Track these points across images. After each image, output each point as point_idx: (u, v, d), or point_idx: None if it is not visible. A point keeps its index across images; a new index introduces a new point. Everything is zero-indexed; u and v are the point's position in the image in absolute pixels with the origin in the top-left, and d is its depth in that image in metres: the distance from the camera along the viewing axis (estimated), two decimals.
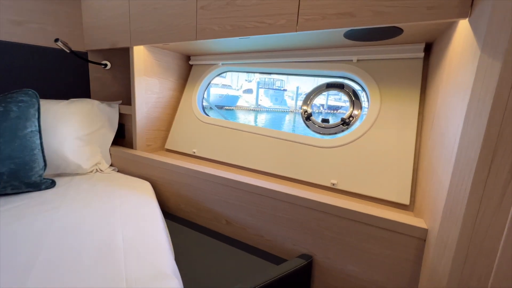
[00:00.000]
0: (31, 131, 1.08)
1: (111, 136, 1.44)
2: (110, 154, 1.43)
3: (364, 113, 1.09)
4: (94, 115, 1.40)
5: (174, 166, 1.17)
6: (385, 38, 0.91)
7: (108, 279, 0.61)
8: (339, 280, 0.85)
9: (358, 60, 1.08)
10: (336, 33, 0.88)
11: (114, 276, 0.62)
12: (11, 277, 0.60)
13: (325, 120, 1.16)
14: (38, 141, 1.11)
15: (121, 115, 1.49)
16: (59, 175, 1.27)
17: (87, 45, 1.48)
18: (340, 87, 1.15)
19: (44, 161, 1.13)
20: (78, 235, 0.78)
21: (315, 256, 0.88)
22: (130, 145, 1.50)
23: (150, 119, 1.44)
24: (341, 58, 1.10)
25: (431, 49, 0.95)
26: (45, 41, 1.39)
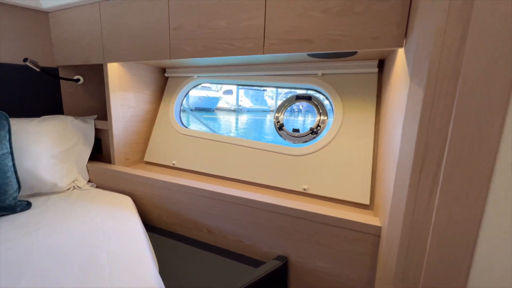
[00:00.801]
0: (3, 153, 1.07)
1: (87, 152, 1.43)
2: (88, 170, 1.42)
3: (331, 119, 1.19)
4: (68, 132, 1.39)
5: (154, 180, 1.21)
6: (343, 57, 1.02)
7: None
8: (311, 276, 0.94)
9: (322, 74, 1.18)
10: (300, 53, 0.98)
11: None
12: None
13: (295, 130, 1.26)
14: (10, 163, 1.09)
15: (97, 130, 1.48)
16: (34, 195, 1.25)
17: (57, 60, 1.45)
18: (308, 98, 1.25)
19: (18, 182, 1.11)
20: (60, 257, 0.80)
21: (289, 256, 0.96)
22: (108, 159, 1.50)
23: (127, 133, 1.46)
24: (307, 72, 1.20)
25: (383, 65, 1.07)
26: (12, 59, 1.35)
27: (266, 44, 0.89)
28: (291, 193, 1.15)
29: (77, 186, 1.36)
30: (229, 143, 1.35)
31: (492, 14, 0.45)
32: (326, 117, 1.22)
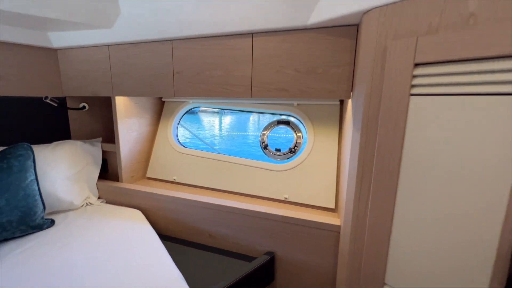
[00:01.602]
0: (31, 180, 1.25)
1: (96, 172, 1.62)
2: (98, 188, 1.61)
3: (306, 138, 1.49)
4: (78, 155, 1.57)
5: (161, 195, 1.44)
6: None
7: None
8: (292, 265, 1.23)
9: (297, 104, 1.48)
10: None
11: None
12: None
13: (277, 149, 1.54)
14: (36, 188, 1.27)
15: (103, 152, 1.68)
16: (53, 213, 1.43)
17: (65, 91, 1.62)
18: (287, 123, 1.54)
19: (43, 203, 1.29)
20: (98, 265, 1.01)
21: (276, 252, 1.25)
22: (114, 177, 1.70)
23: (132, 153, 1.66)
24: (285, 102, 1.49)
25: (343, 100, 1.39)
26: (24, 92, 1.50)
27: (253, 90, 1.17)
28: (275, 201, 1.43)
29: (89, 203, 1.55)
30: (223, 161, 1.60)
31: (390, 98, 0.76)
32: (301, 139, 1.52)
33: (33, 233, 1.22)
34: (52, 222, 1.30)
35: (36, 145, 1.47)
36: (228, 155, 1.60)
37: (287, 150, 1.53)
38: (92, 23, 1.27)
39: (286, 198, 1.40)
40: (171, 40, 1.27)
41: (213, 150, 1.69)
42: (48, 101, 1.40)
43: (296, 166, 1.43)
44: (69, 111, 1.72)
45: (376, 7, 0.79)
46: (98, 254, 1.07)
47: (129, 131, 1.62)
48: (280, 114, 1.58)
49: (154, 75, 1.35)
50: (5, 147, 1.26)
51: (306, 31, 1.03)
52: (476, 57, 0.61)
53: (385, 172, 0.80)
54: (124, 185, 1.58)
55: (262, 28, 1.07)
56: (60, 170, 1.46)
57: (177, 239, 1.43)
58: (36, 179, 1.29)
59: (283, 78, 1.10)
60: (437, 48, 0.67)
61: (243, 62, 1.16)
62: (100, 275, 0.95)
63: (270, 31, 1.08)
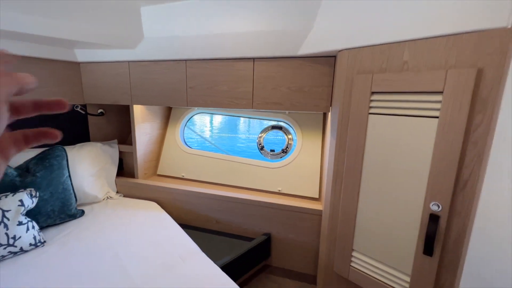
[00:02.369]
0: (66, 176, 1.48)
1: (114, 170, 1.86)
2: (116, 184, 1.85)
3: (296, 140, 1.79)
4: (99, 155, 1.80)
5: (173, 188, 1.70)
6: None
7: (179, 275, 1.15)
8: (284, 243, 1.53)
9: (288, 112, 1.77)
10: None
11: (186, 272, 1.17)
12: (117, 277, 1.09)
13: (272, 150, 1.84)
14: (70, 183, 1.51)
15: (119, 152, 1.91)
16: (80, 205, 1.66)
17: (87, 99, 1.84)
18: (280, 128, 1.84)
19: (75, 196, 1.53)
20: (132, 247, 1.27)
21: (271, 232, 1.54)
22: (129, 174, 1.94)
23: (145, 153, 1.91)
24: (278, 111, 1.78)
25: None
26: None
27: (254, 103, 1.45)
28: (270, 193, 1.73)
29: (110, 196, 1.79)
30: (225, 160, 1.88)
31: (357, 114, 1.07)
32: (292, 141, 1.82)
33: (69, 221, 1.46)
34: (82, 212, 1.54)
35: (65, 146, 1.69)
36: (230, 154, 1.88)
37: (280, 150, 1.82)
38: (118, 45, 1.51)
39: (279, 190, 1.70)
40: (185, 61, 1.53)
41: (219, 150, 1.96)
42: (78, 110, 1.62)
43: (287, 164, 1.73)
44: (89, 118, 1.94)
45: (344, 49, 1.09)
46: (128, 236, 1.33)
47: (143, 134, 1.87)
48: (274, 120, 1.88)
49: (170, 88, 1.60)
50: (44, 149, 1.48)
51: (296, 59, 1.33)
52: (408, 91, 0.93)
53: (352, 168, 1.11)
54: (140, 181, 1.83)
55: (262, 55, 1.35)
56: (85, 168, 1.69)
57: (189, 226, 1.69)
58: (69, 176, 1.52)
59: (278, 94, 1.40)
60: (385, 83, 0.98)
61: (245, 81, 1.44)
62: (133, 251, 1.21)
63: (268, 58, 1.37)
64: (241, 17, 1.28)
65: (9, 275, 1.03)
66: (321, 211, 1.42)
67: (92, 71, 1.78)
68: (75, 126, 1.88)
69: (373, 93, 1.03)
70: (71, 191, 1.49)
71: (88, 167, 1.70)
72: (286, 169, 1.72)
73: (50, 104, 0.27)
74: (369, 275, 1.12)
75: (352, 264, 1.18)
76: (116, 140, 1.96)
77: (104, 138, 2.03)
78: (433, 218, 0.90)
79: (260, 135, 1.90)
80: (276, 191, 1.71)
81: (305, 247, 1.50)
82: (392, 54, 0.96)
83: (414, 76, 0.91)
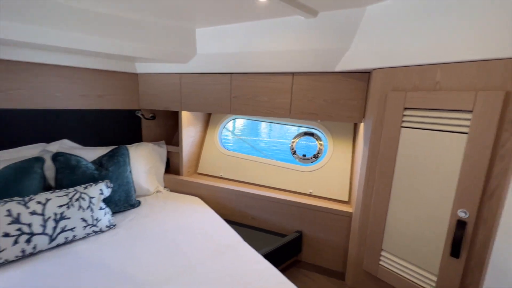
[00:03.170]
0: (129, 171, 1.75)
1: (163, 167, 2.12)
2: (164, 180, 2.11)
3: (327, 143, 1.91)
4: (151, 154, 2.07)
5: (214, 186, 1.91)
6: None
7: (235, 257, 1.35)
8: (315, 241, 1.67)
9: (320, 121, 1.91)
10: None
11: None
12: (180, 256, 1.31)
13: (304, 155, 1.98)
14: (131, 177, 1.77)
15: (166, 152, 2.17)
16: (136, 197, 1.93)
17: (142, 105, 2.12)
18: (311, 134, 1.98)
19: (134, 189, 1.79)
20: (188, 233, 1.48)
21: (303, 231, 1.69)
22: (174, 172, 2.19)
23: (189, 154, 2.15)
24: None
25: None
26: (112, 106, 2.00)
27: (291, 113, 1.61)
28: (302, 194, 1.87)
29: (159, 190, 2.04)
30: (260, 162, 2.06)
31: (389, 128, 1.19)
32: (323, 147, 1.95)
33: (130, 209, 1.72)
34: (139, 203, 1.80)
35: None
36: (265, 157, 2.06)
37: (311, 155, 1.96)
38: (173, 60, 1.75)
39: (310, 192, 1.84)
40: (231, 74, 1.73)
41: (258, 153, 2.15)
42: (139, 115, 1.90)
43: (319, 168, 1.86)
44: (143, 121, 2.22)
45: (380, 68, 1.22)
46: (180, 224, 1.55)
47: (188, 137, 2.11)
48: (305, 127, 2.02)
49: (215, 97, 1.82)
50: (113, 147, 1.76)
51: (333, 74, 1.47)
52: (440, 108, 1.04)
53: (384, 174, 1.23)
54: (185, 178, 2.06)
55: (301, 70, 1.51)
56: (140, 165, 1.95)
57: (227, 220, 1.89)
58: (130, 171, 1.79)
59: (314, 105, 1.54)
60: (417, 100, 1.09)
61: (284, 93, 1.60)
62: (186, 236, 1.42)
63: (306, 72, 1.52)
64: (284, 38, 1.45)
65: (94, 249, 1.28)
66: (351, 213, 1.54)
67: (148, 81, 2.05)
68: (131, 128, 2.16)
69: (406, 108, 1.14)
70: (132, 184, 1.75)
71: (142, 164, 1.97)
72: (317, 173, 1.86)
73: None
74: (397, 273, 1.23)
75: (381, 262, 1.29)
76: (164, 141, 2.23)
77: (153, 139, 2.30)
78: (461, 224, 1.00)
79: (293, 141, 2.06)
80: (307, 193, 1.85)
81: (334, 246, 1.63)
82: (425, 74, 1.08)
83: (445, 95, 1.01)
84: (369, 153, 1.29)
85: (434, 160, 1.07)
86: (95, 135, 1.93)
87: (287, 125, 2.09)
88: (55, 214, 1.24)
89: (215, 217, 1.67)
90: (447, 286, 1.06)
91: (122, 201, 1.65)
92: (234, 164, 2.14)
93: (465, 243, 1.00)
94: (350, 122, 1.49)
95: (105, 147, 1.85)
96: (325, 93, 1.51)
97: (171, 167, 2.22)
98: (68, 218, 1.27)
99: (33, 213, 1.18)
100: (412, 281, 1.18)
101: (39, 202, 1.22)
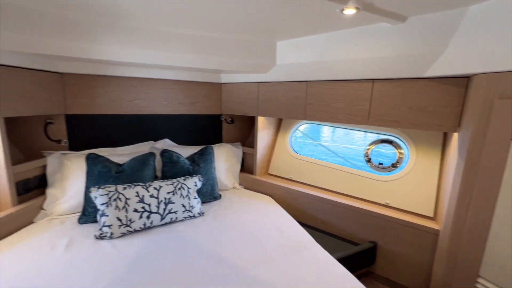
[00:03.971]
0: (214, 168, 2.03)
1: (238, 167, 2.36)
2: (239, 178, 2.34)
3: (407, 153, 1.78)
4: (229, 154, 2.33)
5: (285, 187, 2.02)
6: None
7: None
8: (392, 255, 1.59)
9: (400, 128, 1.79)
10: None
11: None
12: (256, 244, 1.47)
13: (380, 163, 1.89)
14: (215, 173, 2.05)
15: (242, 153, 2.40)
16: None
17: (223, 111, 2.42)
18: (390, 142, 1.88)
19: (217, 184, 2.07)
20: (258, 224, 1.64)
21: (378, 242, 1.63)
22: (248, 171, 2.40)
23: (261, 155, 2.33)
24: None
25: None
26: (200, 111, 2.35)
27: (370, 120, 1.58)
28: (377, 204, 1.80)
29: (235, 187, 2.29)
30: (331, 168, 2.06)
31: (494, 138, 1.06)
32: (403, 156, 1.82)
33: (214, 201, 1.99)
34: (220, 196, 2.06)
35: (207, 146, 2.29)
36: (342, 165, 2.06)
37: (389, 164, 1.86)
38: (254, 71, 1.95)
39: (387, 203, 1.75)
40: (307, 82, 1.81)
41: (333, 158, 2.17)
42: (223, 119, 2.20)
43: (397, 178, 1.76)
44: (223, 124, 2.52)
45: (483, 73, 1.09)
46: (256, 218, 1.71)
47: (262, 140, 2.28)
48: (383, 134, 1.93)
49: (291, 104, 1.93)
50: (201, 147, 2.09)
51: (421, 79, 1.38)
52: None
53: (486, 191, 1.10)
54: (258, 177, 2.25)
55: (382, 77, 1.47)
56: (221, 163, 2.23)
57: (296, 221, 1.97)
58: (214, 168, 2.07)
59: (396, 112, 1.48)
60: None
61: (363, 99, 1.59)
62: (262, 230, 1.56)
63: (388, 79, 1.47)
64: (365, 45, 1.44)
65: (189, 231, 1.55)
66: (438, 230, 1.41)
67: (230, 90, 2.33)
68: (214, 131, 2.49)
69: None
70: (215, 179, 2.03)
71: (223, 162, 2.24)
72: (396, 183, 1.75)
73: None
74: None
75: None
76: (240, 143, 2.47)
77: (230, 141, 2.58)
78: None
79: (368, 147, 1.99)
80: (383, 203, 1.77)
81: (413, 263, 1.52)
82: None
83: None
84: (465, 166, 1.17)
85: None
86: (187, 135, 2.31)
87: (360, 131, 2.04)
88: (165, 199, 1.56)
89: (287, 216, 1.77)
90: None
91: (208, 193, 1.93)
92: (304, 167, 2.21)
93: None
94: (440, 131, 1.36)
95: (195, 146, 2.19)
96: (410, 100, 1.43)
97: (245, 167, 2.44)
98: (173, 203, 1.59)
99: (151, 196, 1.53)
100: None
101: (155, 188, 1.56)
